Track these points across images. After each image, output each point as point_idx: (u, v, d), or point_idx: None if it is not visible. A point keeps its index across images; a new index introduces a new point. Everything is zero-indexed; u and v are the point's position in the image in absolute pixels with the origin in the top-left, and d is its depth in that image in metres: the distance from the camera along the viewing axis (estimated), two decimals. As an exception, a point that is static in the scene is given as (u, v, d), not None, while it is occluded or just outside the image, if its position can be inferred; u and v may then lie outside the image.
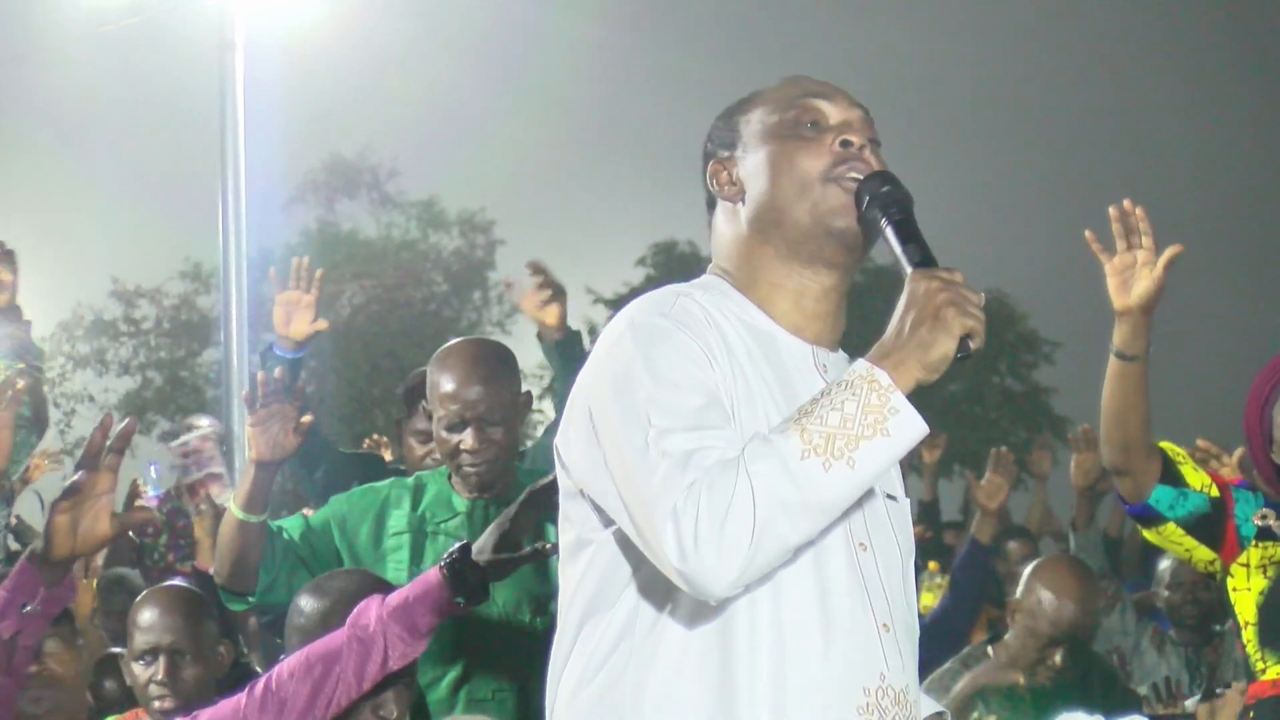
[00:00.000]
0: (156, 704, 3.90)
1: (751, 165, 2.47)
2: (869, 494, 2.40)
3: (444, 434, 3.93)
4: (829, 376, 2.41)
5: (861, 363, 2.25)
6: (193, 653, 3.94)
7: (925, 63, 34.22)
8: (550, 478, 3.21)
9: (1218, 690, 4.50)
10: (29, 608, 2.88)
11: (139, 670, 3.94)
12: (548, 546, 3.15)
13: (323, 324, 4.78)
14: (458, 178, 30.04)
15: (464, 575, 3.14)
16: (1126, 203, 3.74)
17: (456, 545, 3.21)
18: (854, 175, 2.42)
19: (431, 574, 3.15)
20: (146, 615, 3.98)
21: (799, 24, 35.60)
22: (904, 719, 2.36)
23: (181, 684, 3.89)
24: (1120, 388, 3.73)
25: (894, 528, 2.46)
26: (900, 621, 2.40)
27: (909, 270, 2.31)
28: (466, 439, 3.89)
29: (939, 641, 4.91)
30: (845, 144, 2.43)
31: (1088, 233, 3.75)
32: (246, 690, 3.19)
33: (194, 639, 3.95)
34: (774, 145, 2.46)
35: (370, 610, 3.13)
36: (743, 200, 2.48)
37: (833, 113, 2.47)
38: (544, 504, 3.21)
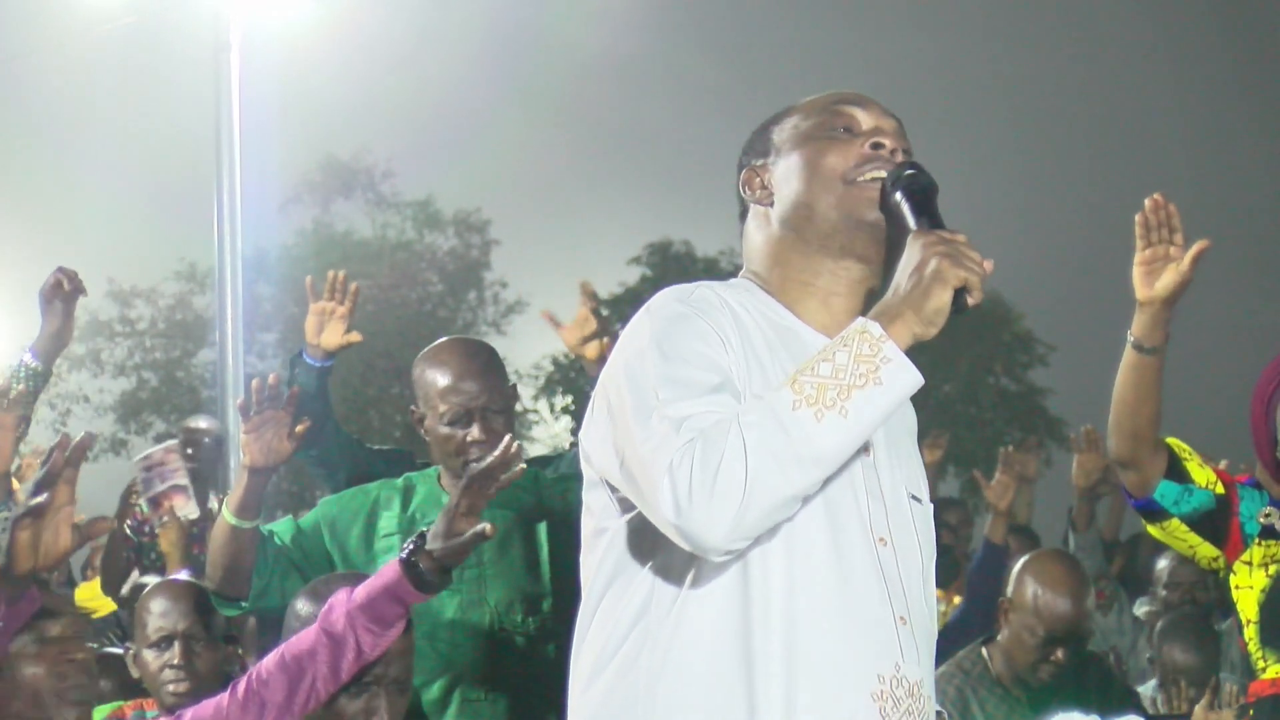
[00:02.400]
0: (171, 688, 3.92)
1: (784, 168, 2.52)
2: (894, 491, 2.43)
3: (446, 429, 3.92)
4: None
5: (858, 319, 2.27)
6: (205, 640, 3.97)
7: (925, 66, 34.25)
8: (486, 462, 3.22)
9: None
10: None
11: (151, 658, 3.96)
12: (488, 530, 3.16)
13: (356, 336, 4.76)
14: (453, 178, 30.06)
15: (421, 566, 3.16)
16: (1159, 196, 3.74)
17: (413, 536, 3.23)
18: (883, 174, 2.45)
19: (392, 566, 3.18)
20: (159, 604, 4.01)
21: (796, 24, 35.63)
22: (917, 711, 2.37)
23: (196, 669, 3.92)
24: (1135, 379, 3.73)
25: (916, 528, 2.47)
26: (918, 617, 2.41)
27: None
28: (474, 431, 3.90)
29: (961, 644, 4.89)
30: (876, 146, 2.48)
31: (1138, 216, 3.74)
32: (229, 690, 3.22)
33: (206, 627, 3.99)
34: (806, 147, 2.50)
35: (338, 606, 3.15)
36: (773, 203, 2.52)
37: (866, 119, 2.52)
38: (485, 487, 3.23)
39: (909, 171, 2.42)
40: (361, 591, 3.15)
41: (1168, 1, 34.66)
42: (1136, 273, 3.72)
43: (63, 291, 4.37)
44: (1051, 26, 36.28)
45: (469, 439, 3.90)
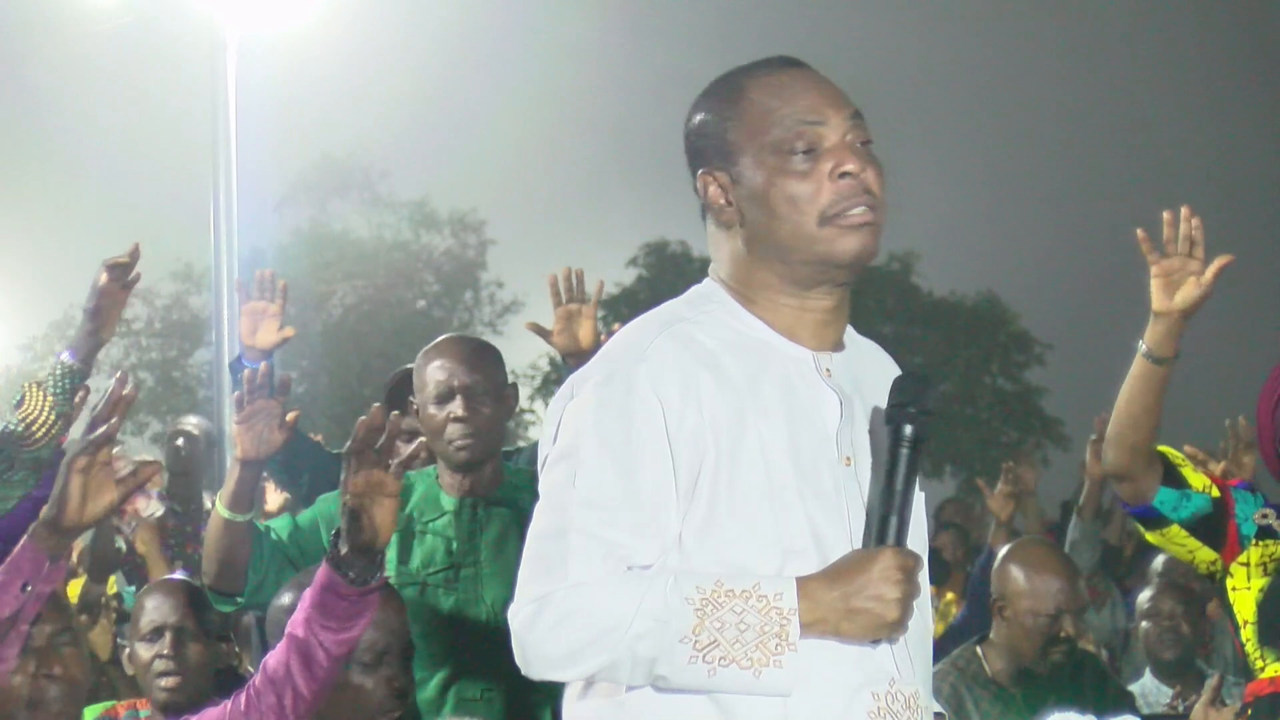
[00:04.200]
0: (161, 682, 3.93)
1: (747, 191, 2.42)
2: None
3: (432, 410, 3.94)
4: (833, 380, 2.43)
5: (791, 595, 2.28)
6: (196, 633, 3.98)
7: (923, 62, 34.27)
8: (356, 435, 3.13)
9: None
10: (29, 587, 2.92)
11: (143, 651, 3.97)
12: (347, 499, 3.09)
13: (289, 331, 4.75)
14: (449, 178, 30.09)
15: (343, 558, 3.13)
16: (1185, 209, 3.72)
17: (334, 531, 3.17)
18: (856, 212, 2.38)
19: (323, 566, 3.17)
20: (152, 599, 4.04)
21: (795, 23, 35.60)
22: None
23: (186, 662, 3.93)
24: (1142, 390, 3.70)
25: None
26: (911, 627, 2.39)
27: (881, 528, 2.35)
28: (455, 408, 3.91)
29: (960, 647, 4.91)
30: (844, 175, 2.38)
31: (1140, 231, 3.72)
32: (233, 699, 3.25)
33: (198, 621, 4.00)
34: (768, 176, 2.40)
35: (299, 613, 3.18)
36: (740, 224, 2.43)
37: (826, 134, 2.40)
38: (365, 459, 3.13)
39: (916, 410, 2.38)
40: (309, 594, 3.18)
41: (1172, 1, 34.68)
42: (1155, 284, 3.69)
43: (107, 285, 4.33)
44: (1049, 25, 36.29)
45: (450, 415, 3.91)
